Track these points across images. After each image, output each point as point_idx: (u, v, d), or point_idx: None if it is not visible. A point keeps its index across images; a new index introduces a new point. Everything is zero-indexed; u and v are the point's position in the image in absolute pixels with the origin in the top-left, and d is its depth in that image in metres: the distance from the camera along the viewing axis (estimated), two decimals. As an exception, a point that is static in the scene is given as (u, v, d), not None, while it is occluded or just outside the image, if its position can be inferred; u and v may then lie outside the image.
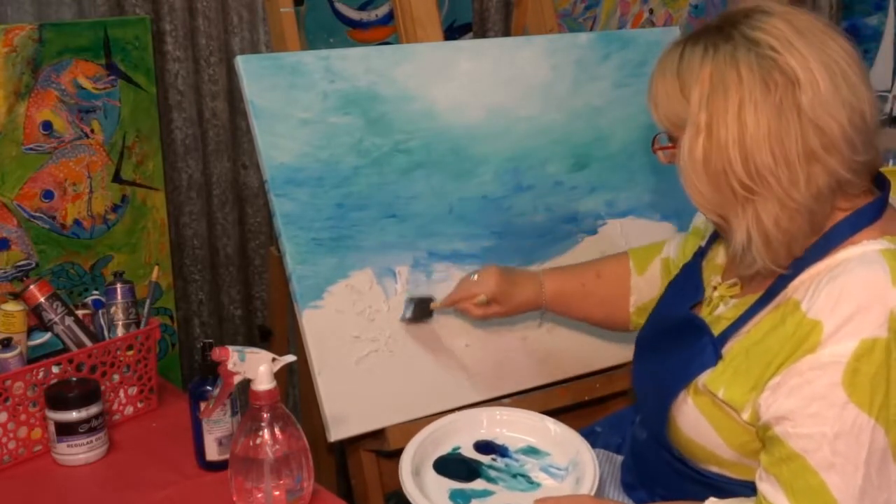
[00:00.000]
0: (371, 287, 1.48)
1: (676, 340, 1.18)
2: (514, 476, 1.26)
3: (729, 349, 1.11)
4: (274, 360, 1.18)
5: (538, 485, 1.25)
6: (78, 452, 1.35)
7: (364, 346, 1.46)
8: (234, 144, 2.09)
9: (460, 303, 1.46)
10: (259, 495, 1.15)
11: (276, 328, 1.80)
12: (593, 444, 1.30)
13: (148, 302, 1.53)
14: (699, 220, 1.38)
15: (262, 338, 1.91)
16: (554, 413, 1.39)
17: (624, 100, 1.73)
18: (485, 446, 1.32)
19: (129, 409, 1.50)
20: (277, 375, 1.18)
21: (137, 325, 1.51)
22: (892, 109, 2.79)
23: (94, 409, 1.35)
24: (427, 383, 1.49)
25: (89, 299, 1.54)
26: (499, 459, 1.29)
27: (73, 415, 1.33)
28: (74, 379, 1.38)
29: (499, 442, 1.33)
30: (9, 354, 1.36)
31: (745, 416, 1.06)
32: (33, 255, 1.73)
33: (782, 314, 1.05)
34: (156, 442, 1.43)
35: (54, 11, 1.86)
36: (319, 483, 1.24)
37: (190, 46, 1.99)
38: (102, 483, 1.32)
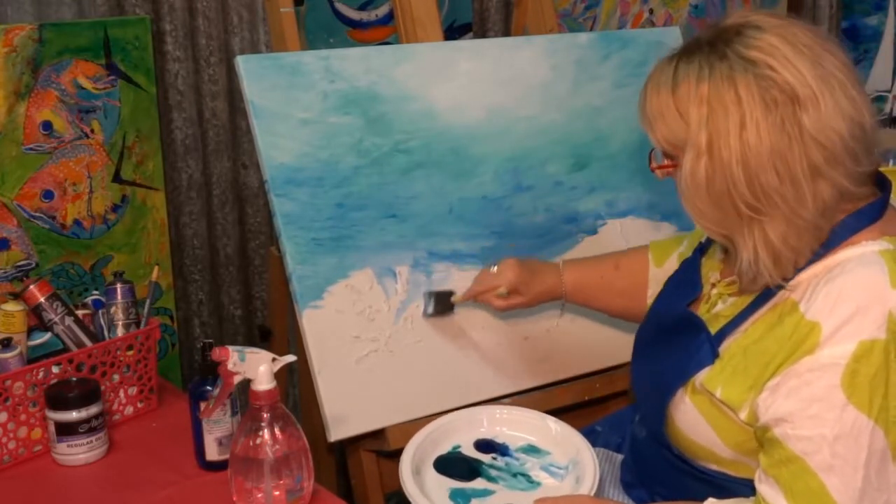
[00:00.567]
0: (371, 287, 1.48)
1: (674, 338, 1.18)
2: (515, 475, 1.26)
3: (726, 347, 1.10)
4: (274, 360, 1.18)
5: (538, 484, 1.25)
6: (78, 452, 1.35)
7: (364, 346, 1.46)
8: (234, 144, 2.09)
9: (481, 295, 1.47)
10: (259, 495, 1.15)
11: (276, 328, 1.79)
12: (593, 444, 1.30)
13: (148, 302, 1.53)
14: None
15: (262, 338, 1.91)
16: (554, 413, 1.38)
17: (624, 100, 1.73)
18: (485, 445, 1.32)
19: (129, 409, 1.50)
20: (277, 375, 1.18)
21: (137, 325, 1.51)
22: (892, 109, 2.79)
23: (94, 409, 1.35)
24: (427, 383, 1.49)
25: (89, 299, 1.54)
26: (499, 458, 1.29)
27: (73, 415, 1.33)
28: (74, 379, 1.38)
29: (499, 441, 1.33)
30: (9, 354, 1.36)
31: (743, 415, 1.06)
32: (33, 255, 1.73)
33: (780, 314, 1.05)
34: (156, 442, 1.43)
35: (54, 11, 1.86)
36: (319, 483, 1.24)
37: (190, 46, 1.99)
38: (102, 483, 1.32)
